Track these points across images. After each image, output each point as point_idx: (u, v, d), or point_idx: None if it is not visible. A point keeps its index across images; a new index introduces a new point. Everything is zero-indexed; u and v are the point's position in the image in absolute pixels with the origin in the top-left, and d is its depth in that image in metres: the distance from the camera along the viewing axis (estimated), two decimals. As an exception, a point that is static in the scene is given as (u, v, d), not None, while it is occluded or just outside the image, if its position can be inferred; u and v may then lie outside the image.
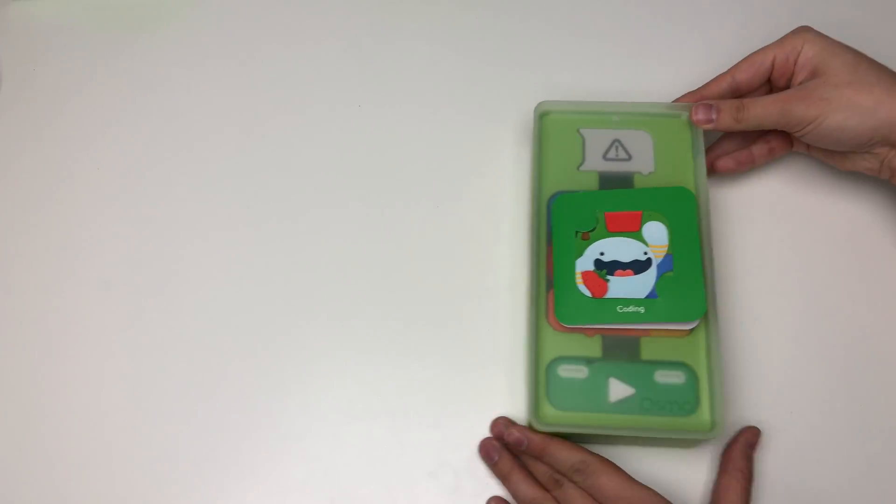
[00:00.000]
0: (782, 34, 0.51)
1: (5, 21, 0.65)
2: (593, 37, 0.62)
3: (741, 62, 0.52)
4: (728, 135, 0.54)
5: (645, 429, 0.46)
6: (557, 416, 0.47)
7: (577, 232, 0.50)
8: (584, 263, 0.49)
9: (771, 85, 0.53)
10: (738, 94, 0.52)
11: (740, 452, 0.46)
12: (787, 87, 0.51)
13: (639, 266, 0.49)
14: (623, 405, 0.47)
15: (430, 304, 0.53)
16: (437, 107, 0.60)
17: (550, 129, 0.54)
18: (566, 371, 0.48)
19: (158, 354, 0.53)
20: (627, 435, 0.47)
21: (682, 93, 0.54)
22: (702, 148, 0.52)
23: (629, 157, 0.53)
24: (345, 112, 0.60)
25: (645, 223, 0.50)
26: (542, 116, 0.55)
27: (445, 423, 0.50)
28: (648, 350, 0.48)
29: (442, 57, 0.61)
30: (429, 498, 0.49)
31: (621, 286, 0.48)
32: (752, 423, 0.48)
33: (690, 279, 0.48)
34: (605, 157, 0.53)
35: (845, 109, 0.47)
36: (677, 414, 0.46)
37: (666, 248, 0.49)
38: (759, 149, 0.54)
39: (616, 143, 0.54)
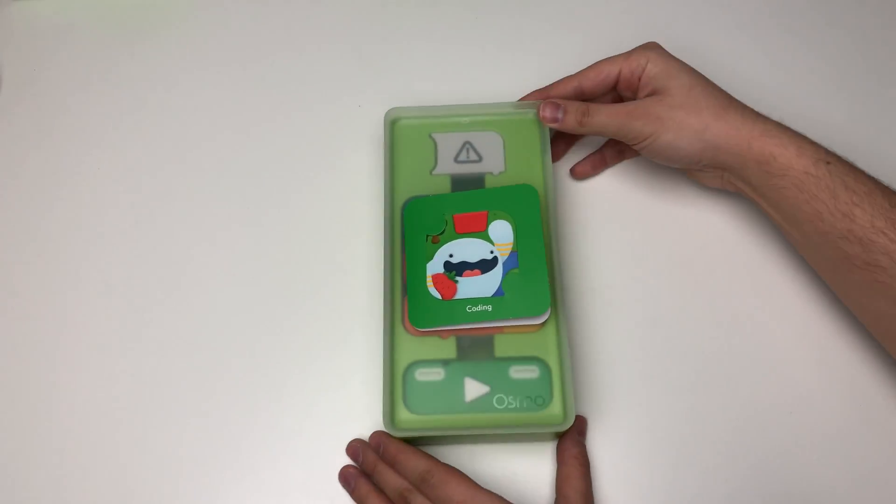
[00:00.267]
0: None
1: (6, 21, 0.65)
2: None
3: (589, 70, 0.53)
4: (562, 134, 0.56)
5: (499, 426, 0.47)
6: (412, 421, 0.47)
7: (427, 236, 0.50)
8: (435, 266, 0.50)
9: (617, 93, 0.54)
10: (584, 98, 0.54)
11: (572, 441, 0.47)
12: (633, 97, 0.53)
13: (485, 265, 0.49)
14: (478, 404, 0.47)
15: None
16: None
17: (402, 135, 0.55)
18: (423, 374, 0.48)
19: (159, 355, 0.52)
20: (483, 434, 0.47)
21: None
22: (549, 145, 0.53)
23: (480, 159, 0.54)
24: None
25: (491, 222, 0.50)
26: (393, 123, 0.55)
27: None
28: (502, 347, 0.48)
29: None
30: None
31: (470, 286, 0.49)
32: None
33: (535, 275, 0.48)
34: (456, 159, 0.54)
35: (676, 130, 0.49)
36: (532, 408, 0.47)
37: (511, 246, 0.50)
38: (609, 151, 0.56)
39: (467, 145, 0.54)
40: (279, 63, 0.62)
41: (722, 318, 0.52)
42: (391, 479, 0.46)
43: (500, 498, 0.43)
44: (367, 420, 0.50)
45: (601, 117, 0.51)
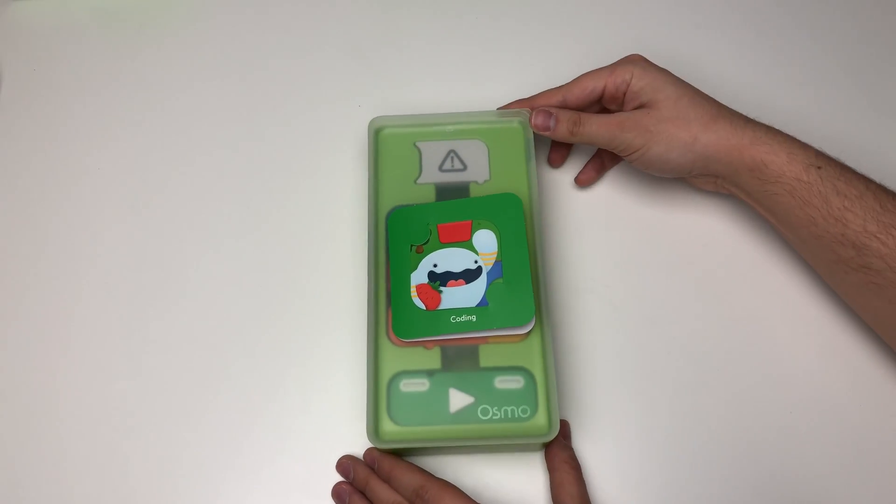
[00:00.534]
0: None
1: (5, 21, 0.65)
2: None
3: (573, 85, 0.53)
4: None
5: (484, 437, 0.46)
6: (397, 433, 0.47)
7: (411, 246, 0.50)
8: (419, 276, 0.49)
9: (602, 105, 0.54)
10: (569, 109, 0.53)
11: (560, 446, 0.47)
12: (620, 110, 0.52)
13: (470, 275, 0.49)
14: (462, 415, 0.47)
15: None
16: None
17: (386, 144, 0.54)
18: (408, 385, 0.48)
19: (159, 354, 0.52)
20: (467, 445, 0.47)
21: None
22: (533, 153, 0.53)
23: (464, 167, 0.54)
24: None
25: (475, 232, 0.50)
26: (377, 132, 0.55)
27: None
28: (487, 357, 0.48)
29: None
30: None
31: (454, 296, 0.48)
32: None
33: (519, 284, 0.48)
34: (441, 168, 0.54)
35: (666, 142, 0.49)
36: (516, 419, 0.47)
37: (495, 256, 0.49)
38: (607, 154, 0.56)
39: (452, 154, 0.54)
40: (279, 63, 0.62)
41: (720, 318, 0.52)
42: (384, 495, 0.46)
43: None
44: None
45: (592, 127, 0.51)
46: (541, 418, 0.47)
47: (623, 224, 0.55)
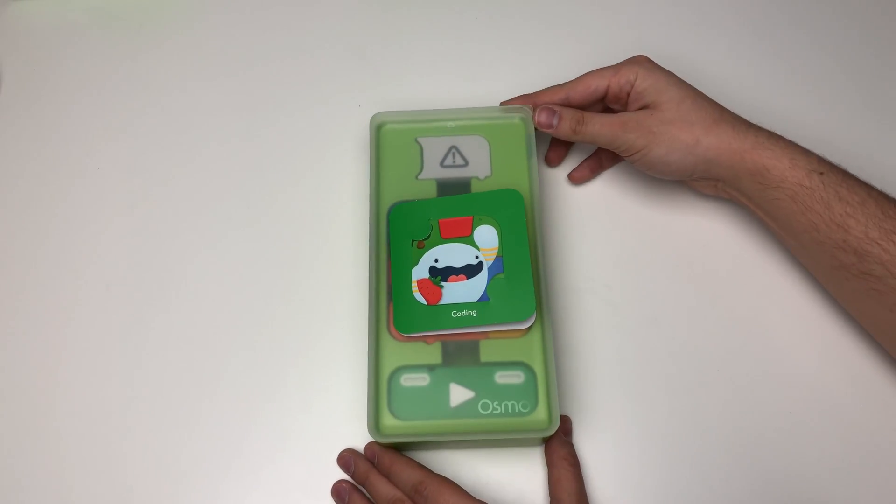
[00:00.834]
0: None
1: (5, 21, 0.65)
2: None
3: (577, 82, 0.53)
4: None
5: (484, 431, 0.46)
6: (397, 427, 0.47)
7: (412, 241, 0.50)
8: (420, 271, 0.49)
9: (605, 105, 0.54)
10: (571, 107, 0.53)
11: (559, 442, 0.47)
12: (623, 110, 0.52)
13: (471, 270, 0.49)
14: (463, 409, 0.47)
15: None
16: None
17: (388, 140, 0.54)
18: (409, 380, 0.48)
19: (159, 354, 0.52)
20: (468, 439, 0.47)
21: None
22: (534, 150, 0.53)
23: (466, 163, 0.54)
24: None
25: (476, 227, 0.50)
26: (379, 127, 0.55)
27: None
28: (487, 352, 0.48)
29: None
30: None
31: (455, 291, 0.49)
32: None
33: (520, 280, 0.48)
34: (442, 164, 0.54)
35: (668, 145, 0.49)
36: (517, 413, 0.47)
37: (496, 251, 0.49)
38: (605, 153, 0.56)
39: (453, 149, 0.54)
40: (279, 63, 0.62)
41: (720, 318, 0.52)
42: (384, 489, 0.46)
43: None
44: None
45: (595, 126, 0.51)
46: (541, 413, 0.47)
47: (623, 224, 0.55)
